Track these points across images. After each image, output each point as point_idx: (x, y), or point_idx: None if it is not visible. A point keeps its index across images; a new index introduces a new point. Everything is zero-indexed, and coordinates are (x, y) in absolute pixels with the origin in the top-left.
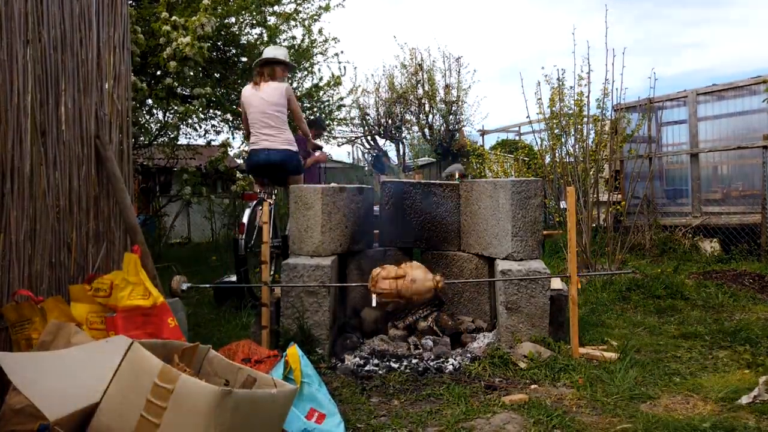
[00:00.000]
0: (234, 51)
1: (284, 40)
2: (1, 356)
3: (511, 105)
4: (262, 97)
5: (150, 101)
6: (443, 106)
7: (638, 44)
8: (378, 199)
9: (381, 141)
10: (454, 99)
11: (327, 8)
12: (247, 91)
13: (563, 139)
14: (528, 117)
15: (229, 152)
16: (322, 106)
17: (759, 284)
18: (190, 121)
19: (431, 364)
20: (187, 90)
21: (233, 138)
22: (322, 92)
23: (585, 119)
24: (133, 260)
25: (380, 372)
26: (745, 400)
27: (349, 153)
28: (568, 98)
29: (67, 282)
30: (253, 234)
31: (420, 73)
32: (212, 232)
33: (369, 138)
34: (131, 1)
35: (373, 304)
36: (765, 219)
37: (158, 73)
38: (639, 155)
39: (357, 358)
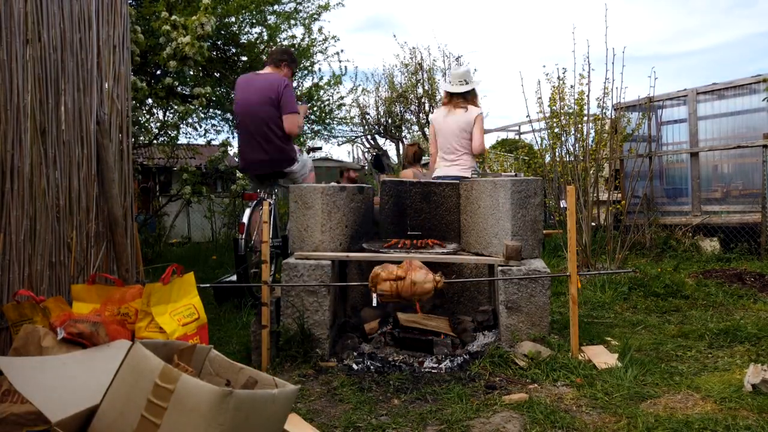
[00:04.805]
0: (234, 50)
1: (284, 39)
2: (1, 360)
3: (511, 104)
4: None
5: (150, 101)
6: None
7: None
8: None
9: (381, 140)
10: None
11: (326, 7)
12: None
13: (563, 138)
14: (528, 116)
15: (229, 152)
16: (323, 105)
17: (759, 283)
18: (190, 120)
19: (431, 363)
20: (187, 89)
21: (233, 137)
22: (322, 91)
23: (585, 118)
24: (153, 290)
25: (380, 371)
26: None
27: (349, 152)
28: (568, 97)
29: (68, 282)
30: (253, 233)
31: (420, 72)
32: (212, 231)
33: (369, 137)
34: (131, 1)
35: (374, 303)
36: (765, 218)
37: (158, 72)
38: (639, 154)
39: (357, 358)
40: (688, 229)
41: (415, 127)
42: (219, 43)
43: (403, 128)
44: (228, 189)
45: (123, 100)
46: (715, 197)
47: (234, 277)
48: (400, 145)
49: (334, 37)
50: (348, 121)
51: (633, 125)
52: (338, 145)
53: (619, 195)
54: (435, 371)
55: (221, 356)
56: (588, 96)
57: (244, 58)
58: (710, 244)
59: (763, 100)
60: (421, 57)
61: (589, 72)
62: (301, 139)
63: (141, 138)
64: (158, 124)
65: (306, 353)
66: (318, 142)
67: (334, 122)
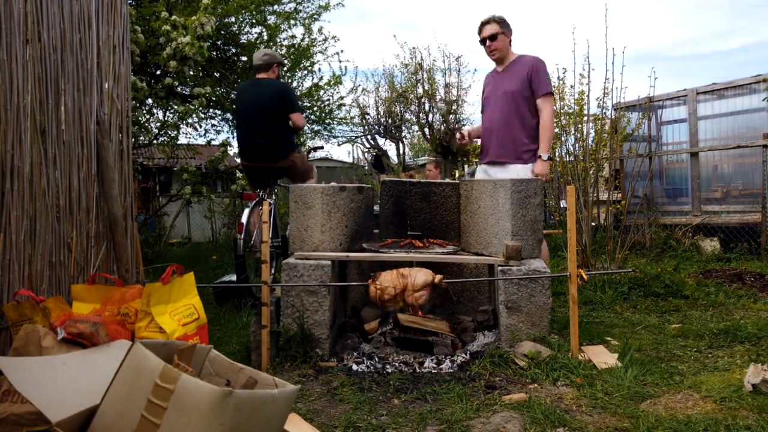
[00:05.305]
0: (234, 50)
1: (284, 39)
2: (1, 360)
3: None
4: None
5: (150, 101)
6: (443, 105)
7: None
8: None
9: (381, 140)
10: (455, 98)
11: (326, 7)
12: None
13: (563, 138)
14: None
15: (229, 151)
16: (323, 105)
17: (759, 283)
18: (190, 120)
19: (431, 363)
20: (187, 89)
21: (233, 137)
22: (322, 91)
23: (585, 118)
24: (153, 290)
25: (380, 371)
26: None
27: (349, 152)
28: (568, 97)
29: (68, 282)
30: (253, 233)
31: (420, 72)
32: (212, 231)
33: (369, 137)
34: (131, 1)
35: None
36: (765, 218)
37: (158, 72)
38: (639, 154)
39: (357, 358)
40: (688, 229)
41: (415, 127)
42: (219, 43)
43: (403, 128)
44: (228, 189)
45: (123, 100)
46: (715, 197)
47: (234, 277)
48: (400, 145)
49: (334, 37)
50: (348, 121)
51: (633, 125)
52: (338, 145)
53: (619, 195)
54: (435, 371)
55: (221, 356)
56: (588, 96)
57: (244, 58)
58: (710, 244)
59: (763, 100)
60: (421, 57)
61: (589, 72)
62: (302, 139)
63: (141, 138)
64: (158, 124)
65: (306, 353)
66: (318, 142)
67: (334, 122)
